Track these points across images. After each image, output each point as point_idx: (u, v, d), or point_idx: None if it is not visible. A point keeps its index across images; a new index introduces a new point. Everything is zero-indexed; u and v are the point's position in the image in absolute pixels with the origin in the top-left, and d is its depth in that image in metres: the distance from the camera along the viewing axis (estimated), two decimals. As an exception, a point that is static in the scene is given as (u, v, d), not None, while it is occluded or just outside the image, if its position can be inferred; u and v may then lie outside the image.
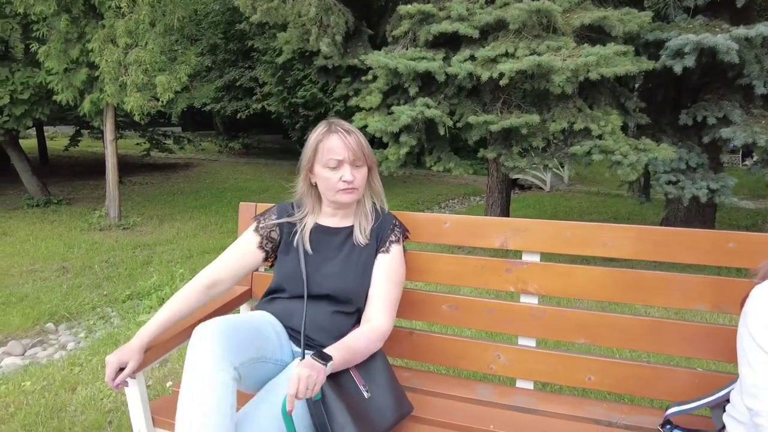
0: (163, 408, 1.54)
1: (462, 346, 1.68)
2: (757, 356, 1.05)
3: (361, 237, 1.49)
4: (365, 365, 1.41)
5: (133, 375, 1.37)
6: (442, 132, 3.61)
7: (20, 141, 8.74)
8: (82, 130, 12.14)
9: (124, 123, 11.84)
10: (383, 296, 1.46)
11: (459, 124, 3.72)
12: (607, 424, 1.47)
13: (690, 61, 3.38)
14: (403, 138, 3.72)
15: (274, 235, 1.53)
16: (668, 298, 1.51)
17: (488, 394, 1.61)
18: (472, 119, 3.49)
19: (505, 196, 5.75)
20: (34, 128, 12.21)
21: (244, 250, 1.53)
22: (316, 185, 1.50)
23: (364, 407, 1.32)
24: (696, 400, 1.35)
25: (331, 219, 1.54)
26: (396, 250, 1.52)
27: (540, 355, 1.60)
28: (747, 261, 1.43)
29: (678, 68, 3.42)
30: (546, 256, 1.63)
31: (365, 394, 1.34)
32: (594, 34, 3.47)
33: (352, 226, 1.52)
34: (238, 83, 13.58)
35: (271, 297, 1.54)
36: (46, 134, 13.25)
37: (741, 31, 3.36)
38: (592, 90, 3.64)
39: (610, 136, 3.32)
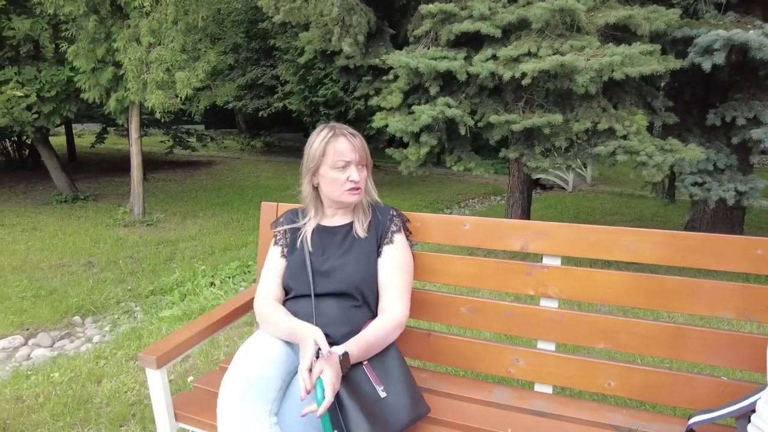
0: (184, 403, 1.57)
1: (480, 349, 1.68)
2: None
3: (360, 230, 1.54)
4: (382, 365, 1.42)
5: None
6: (462, 132, 3.59)
7: (50, 138, 8.98)
8: (108, 128, 12.42)
9: (149, 121, 12.08)
10: (395, 285, 1.50)
11: (480, 124, 3.70)
12: (627, 431, 1.45)
13: (720, 58, 3.29)
14: (423, 138, 3.71)
15: (288, 241, 1.60)
16: (692, 304, 1.48)
17: (506, 398, 1.60)
18: (493, 119, 3.46)
19: (527, 197, 5.69)
20: (63, 126, 12.53)
21: (274, 264, 1.59)
22: (317, 187, 1.55)
23: (379, 407, 1.33)
24: (720, 408, 1.32)
25: (331, 219, 1.60)
26: (399, 239, 1.56)
27: (559, 359, 1.59)
28: (776, 268, 1.40)
29: (707, 65, 3.33)
30: (567, 260, 1.62)
31: (381, 394, 1.35)
32: (619, 33, 3.40)
33: (352, 222, 1.57)
34: (260, 82, 13.71)
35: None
36: (74, 132, 13.59)
37: (775, 27, 3.27)
38: (616, 89, 3.57)
39: (635, 137, 3.26)
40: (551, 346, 1.62)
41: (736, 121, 3.77)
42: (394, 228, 1.58)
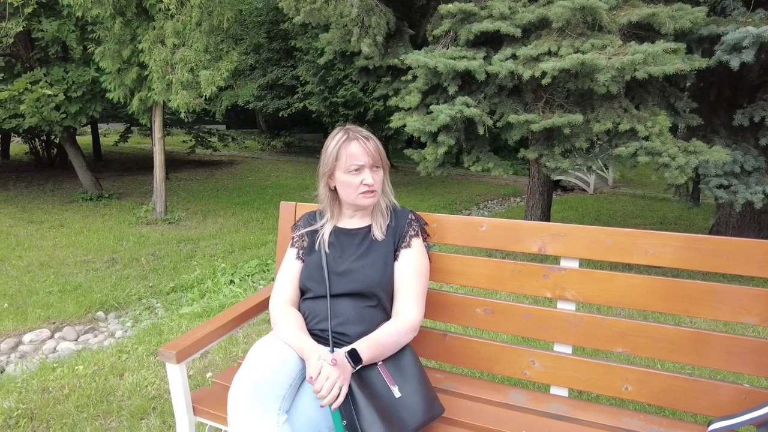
0: (203, 398, 1.60)
1: (496, 351, 1.67)
2: None
3: (378, 233, 1.55)
4: (397, 365, 1.43)
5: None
6: (481, 131, 3.58)
7: (76, 138, 9.22)
8: (131, 128, 12.69)
9: (171, 120, 12.30)
10: (410, 289, 1.51)
11: (499, 124, 3.67)
12: (645, 436, 1.43)
13: (749, 56, 3.20)
14: (441, 138, 3.70)
15: (305, 243, 1.62)
16: (713, 309, 1.45)
17: (522, 400, 1.60)
18: (512, 118, 3.43)
19: (546, 198, 5.63)
20: (89, 126, 12.85)
21: (290, 266, 1.62)
22: (335, 189, 1.56)
23: (394, 406, 1.34)
24: (741, 414, 1.30)
25: (349, 221, 1.62)
26: (416, 243, 1.57)
27: (576, 362, 1.57)
28: (802, 273, 1.36)
29: (735, 63, 3.24)
30: (585, 263, 1.60)
31: (396, 394, 1.36)
32: (642, 32, 3.34)
33: (370, 225, 1.58)
34: (280, 82, 13.85)
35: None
36: (99, 131, 13.91)
37: (805, 26, 3.17)
38: (639, 90, 3.51)
39: (658, 138, 3.20)
40: (568, 349, 1.60)
41: (766, 121, 3.67)
42: (412, 232, 1.59)
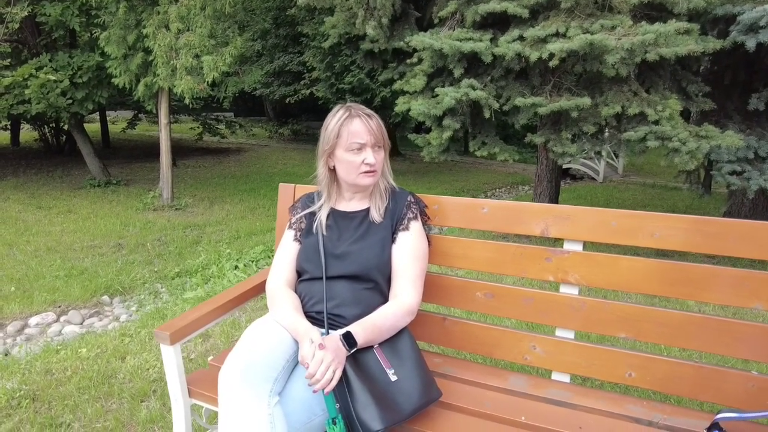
0: (198, 380, 1.58)
1: (497, 335, 1.64)
2: None
3: (377, 215, 1.52)
4: (393, 348, 1.41)
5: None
6: (487, 115, 3.51)
7: (86, 125, 9.24)
8: (139, 115, 12.70)
9: (179, 108, 12.30)
10: (408, 272, 1.47)
11: (505, 107, 3.60)
12: (647, 423, 1.39)
13: (766, 36, 3.09)
14: (446, 121, 3.64)
15: (303, 225, 1.59)
16: (721, 294, 1.40)
17: (522, 385, 1.56)
18: (519, 102, 3.36)
19: (555, 186, 5.56)
20: (97, 113, 12.88)
21: (287, 248, 1.60)
22: (334, 170, 1.51)
23: (389, 390, 1.31)
24: (757, 412, 1.25)
25: (348, 203, 1.59)
26: (415, 226, 1.53)
27: (578, 347, 1.54)
28: (814, 257, 1.31)
29: (751, 44, 3.13)
30: (589, 246, 1.55)
31: (391, 378, 1.33)
32: (654, 12, 3.24)
33: (368, 208, 1.54)
34: (287, 68, 13.77)
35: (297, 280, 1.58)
36: (108, 119, 13.95)
37: (824, 5, 3.06)
38: (650, 73, 3.41)
39: (668, 122, 3.11)
40: (570, 334, 1.56)
41: (781, 106, 3.57)
42: (410, 215, 1.55)
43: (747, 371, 1.42)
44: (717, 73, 4.04)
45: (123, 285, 4.26)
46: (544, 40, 3.24)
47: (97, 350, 2.77)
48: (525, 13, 3.37)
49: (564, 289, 1.56)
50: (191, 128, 14.15)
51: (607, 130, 3.42)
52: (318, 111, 16.24)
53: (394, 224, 1.53)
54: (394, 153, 14.04)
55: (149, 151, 12.77)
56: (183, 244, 5.43)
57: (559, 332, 1.58)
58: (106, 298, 4.04)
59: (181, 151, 12.83)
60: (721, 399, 1.40)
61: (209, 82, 6.25)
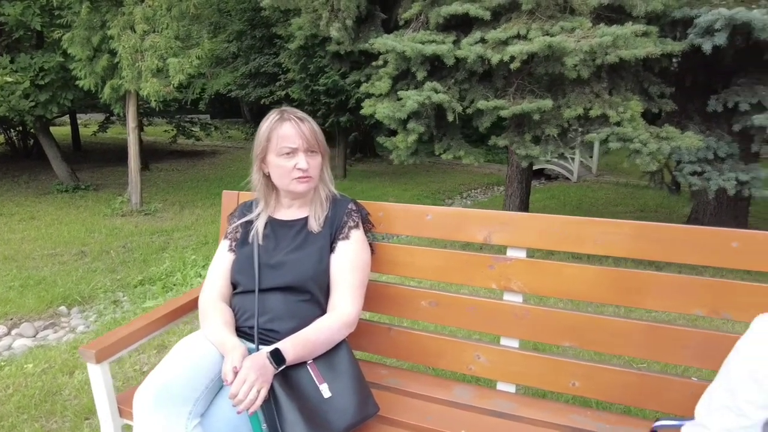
0: (129, 399, 1.51)
1: (441, 345, 1.60)
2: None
3: (315, 224, 1.45)
4: (329, 363, 1.35)
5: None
6: (451, 118, 3.48)
7: (55, 128, 9.00)
8: (111, 118, 12.43)
9: (151, 110, 12.05)
10: (347, 283, 1.42)
11: (469, 110, 3.58)
12: (590, 434, 1.36)
13: (721, 39, 3.13)
14: (410, 125, 3.60)
15: (239, 235, 1.52)
16: (664, 300, 1.38)
17: (467, 397, 1.52)
18: (482, 104, 3.34)
19: (525, 187, 5.57)
20: (68, 116, 12.56)
21: (222, 259, 1.53)
22: (269, 176, 1.46)
23: (321, 407, 1.26)
24: (692, 418, 1.23)
25: (287, 211, 1.53)
26: (356, 235, 1.47)
27: (522, 357, 1.50)
28: (751, 262, 1.30)
29: (707, 47, 3.17)
30: (535, 253, 1.52)
31: (324, 394, 1.28)
32: (614, 15, 3.25)
33: (307, 216, 1.47)
34: (262, 70, 13.60)
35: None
36: (79, 122, 13.63)
37: (779, 8, 3.11)
38: (612, 75, 3.43)
39: (629, 123, 3.12)
40: (515, 343, 1.53)
41: (739, 106, 3.61)
42: (351, 223, 1.50)
43: (687, 377, 1.40)
44: (679, 75, 4.08)
45: (82, 294, 4.12)
46: (505, 43, 3.23)
47: (45, 365, 2.66)
48: (487, 15, 3.35)
49: (508, 297, 1.52)
50: (165, 131, 13.90)
51: (570, 132, 3.41)
52: (295, 113, 16.07)
53: (333, 233, 1.48)
54: (371, 155, 13.99)
55: (121, 154, 12.48)
56: (149, 250, 5.30)
57: (504, 341, 1.54)
58: (63, 308, 3.91)
59: (154, 154, 12.59)
60: (664, 406, 1.38)
61: (176, 85, 6.12)
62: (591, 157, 10.48)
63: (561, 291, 1.46)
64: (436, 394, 1.53)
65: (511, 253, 1.51)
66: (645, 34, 3.06)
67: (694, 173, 3.58)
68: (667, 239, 1.36)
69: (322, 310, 1.43)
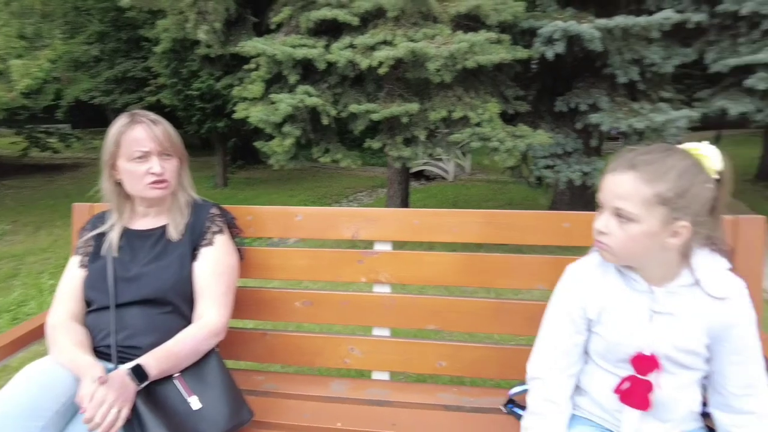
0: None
1: (318, 343, 1.62)
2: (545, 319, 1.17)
3: (174, 232, 1.39)
4: (198, 374, 1.30)
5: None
6: (326, 122, 3.53)
7: None
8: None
9: (-6, 119, 10.56)
10: (212, 290, 1.38)
11: (343, 114, 3.65)
12: (456, 408, 1.47)
13: (560, 48, 3.56)
14: (286, 128, 3.59)
15: (91, 249, 1.41)
16: (512, 279, 1.53)
17: (343, 390, 1.56)
18: (354, 108, 3.43)
19: (405, 187, 5.79)
20: None
21: (72, 276, 1.41)
22: (121, 183, 1.38)
23: (191, 420, 1.21)
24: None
25: (143, 220, 1.45)
26: (220, 240, 1.44)
27: (394, 344, 1.58)
28: (580, 239, 1.48)
29: (550, 54, 3.58)
30: (401, 245, 1.60)
31: (194, 406, 1.23)
32: (471, 23, 3.54)
33: (166, 225, 1.41)
34: (130, 74, 12.58)
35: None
36: None
37: (602, 21, 3.60)
38: (472, 79, 3.72)
39: (488, 124, 3.42)
40: (386, 332, 1.60)
41: (579, 107, 4.12)
42: (215, 228, 1.45)
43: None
44: (531, 79, 4.55)
45: None
46: (373, 48, 3.35)
47: None
48: (355, 21, 3.45)
49: (377, 289, 1.59)
50: (12, 143, 12.25)
51: (438, 134, 3.64)
52: (168, 119, 15.11)
53: (195, 240, 1.43)
54: (254, 161, 13.60)
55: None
56: (-6, 279, 4.63)
57: (376, 331, 1.61)
58: None
59: (3, 169, 11.07)
60: (519, 374, 1.53)
61: (21, 90, 5.44)
62: (465, 155, 11.23)
63: (424, 278, 1.56)
64: (314, 392, 1.55)
65: (378, 246, 1.58)
66: (498, 41, 3.37)
67: (547, 167, 4.01)
68: (513, 224, 1.52)
69: (187, 321, 1.38)
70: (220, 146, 10.57)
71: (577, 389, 1.16)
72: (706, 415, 1.21)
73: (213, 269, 1.40)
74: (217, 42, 4.12)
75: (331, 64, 3.49)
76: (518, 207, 7.23)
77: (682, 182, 0.93)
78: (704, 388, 1.11)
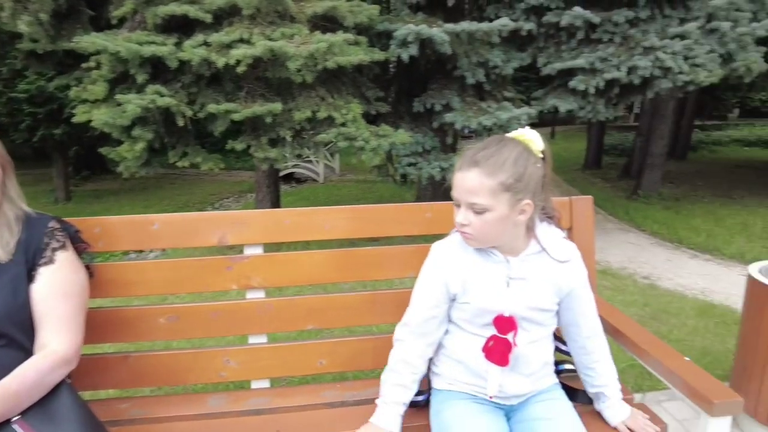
0: None
1: (188, 359, 1.51)
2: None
3: (2, 253, 1.20)
4: (45, 412, 1.14)
5: None
6: (181, 123, 3.31)
7: None
8: None
9: None
10: (56, 314, 1.21)
11: (201, 115, 3.46)
12: (339, 405, 1.47)
13: (414, 50, 3.77)
14: (136, 131, 3.29)
15: None
16: (384, 270, 1.58)
17: (221, 404, 1.48)
18: (212, 108, 3.27)
19: (275, 191, 5.67)
20: None
21: None
22: None
23: (39, 467, 1.05)
24: None
25: None
26: (63, 257, 1.27)
27: (272, 350, 1.53)
28: (442, 227, 1.58)
29: (405, 56, 3.78)
30: (272, 248, 1.57)
31: (40, 449, 1.07)
32: (328, 24, 3.58)
33: None
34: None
35: None
36: None
37: (450, 26, 3.89)
38: (334, 80, 3.77)
39: (353, 124, 3.49)
40: (263, 339, 1.55)
41: (435, 107, 4.40)
42: (55, 244, 1.27)
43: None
44: (389, 81, 4.74)
45: None
46: (229, 46, 3.22)
47: None
48: (208, 18, 3.28)
49: (250, 295, 1.53)
50: None
51: (302, 133, 3.62)
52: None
53: (31, 259, 1.24)
54: (102, 171, 12.25)
55: None
56: None
57: (252, 339, 1.55)
58: None
59: None
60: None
61: None
62: (333, 156, 11.34)
63: (298, 279, 1.54)
64: (189, 411, 1.45)
65: (248, 251, 1.53)
66: (356, 43, 3.46)
67: (409, 165, 4.22)
68: (380, 218, 1.57)
69: (28, 355, 1.19)
70: (59, 156, 9.33)
71: (452, 362, 1.25)
72: (560, 373, 1.39)
73: (56, 290, 1.23)
74: (45, 36, 3.62)
75: (184, 63, 3.28)
76: (387, 203, 7.50)
77: (518, 168, 1.08)
78: (556, 347, 1.31)
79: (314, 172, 10.86)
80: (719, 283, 4.06)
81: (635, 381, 2.29)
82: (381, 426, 1.20)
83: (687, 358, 1.25)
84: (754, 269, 1.97)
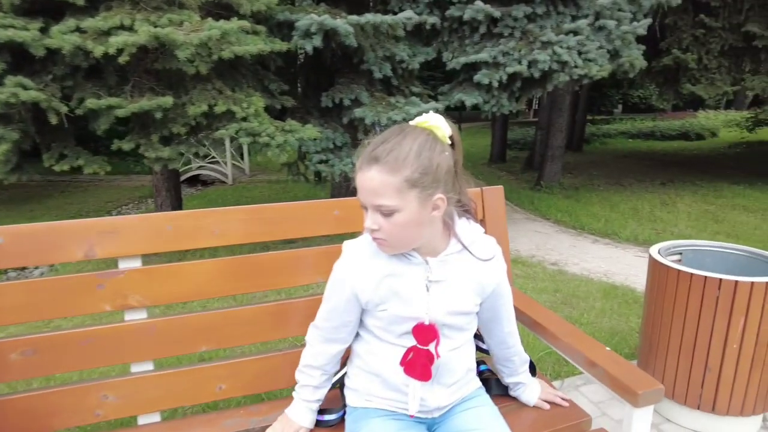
0: None
1: (53, 400, 1.25)
2: None
3: None
4: None
5: None
6: (54, 121, 2.88)
7: None
8: None
9: None
10: None
11: (79, 111, 3.04)
12: (244, 432, 1.29)
13: (318, 41, 3.60)
14: (-4, 132, 2.82)
15: None
16: (290, 276, 1.42)
17: (98, 450, 1.24)
18: (92, 104, 2.88)
19: (175, 194, 5.23)
20: None
21: None
22: None
23: None
24: None
25: None
26: None
27: (159, 378, 1.31)
28: (352, 224, 1.45)
29: (309, 47, 3.60)
30: (151, 259, 1.34)
31: None
32: (222, 11, 3.31)
33: None
34: None
35: None
36: None
37: (354, 18, 3.76)
38: (233, 72, 3.50)
39: (255, 119, 3.26)
40: (149, 366, 1.32)
41: (344, 102, 4.26)
42: None
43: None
44: (295, 74, 4.53)
45: None
46: (107, 33, 2.85)
47: None
48: (81, 1, 2.88)
49: (129, 316, 1.30)
50: None
51: (199, 129, 3.32)
52: None
53: None
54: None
55: None
56: None
57: (135, 368, 1.31)
58: None
59: None
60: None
61: None
62: (242, 156, 10.83)
63: (186, 294, 1.33)
64: (55, 465, 1.19)
65: (123, 264, 1.29)
66: (255, 32, 3.22)
67: (321, 162, 4.05)
68: (280, 218, 1.40)
69: None
70: None
71: (368, 376, 1.13)
72: (482, 374, 1.32)
73: None
74: None
75: (53, 51, 2.85)
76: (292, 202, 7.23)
77: (423, 160, 0.94)
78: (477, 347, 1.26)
79: (222, 174, 10.29)
80: (618, 264, 4.33)
81: (553, 368, 2.31)
82: (293, 419, 1.21)
83: (608, 348, 1.22)
84: (654, 251, 2.04)
